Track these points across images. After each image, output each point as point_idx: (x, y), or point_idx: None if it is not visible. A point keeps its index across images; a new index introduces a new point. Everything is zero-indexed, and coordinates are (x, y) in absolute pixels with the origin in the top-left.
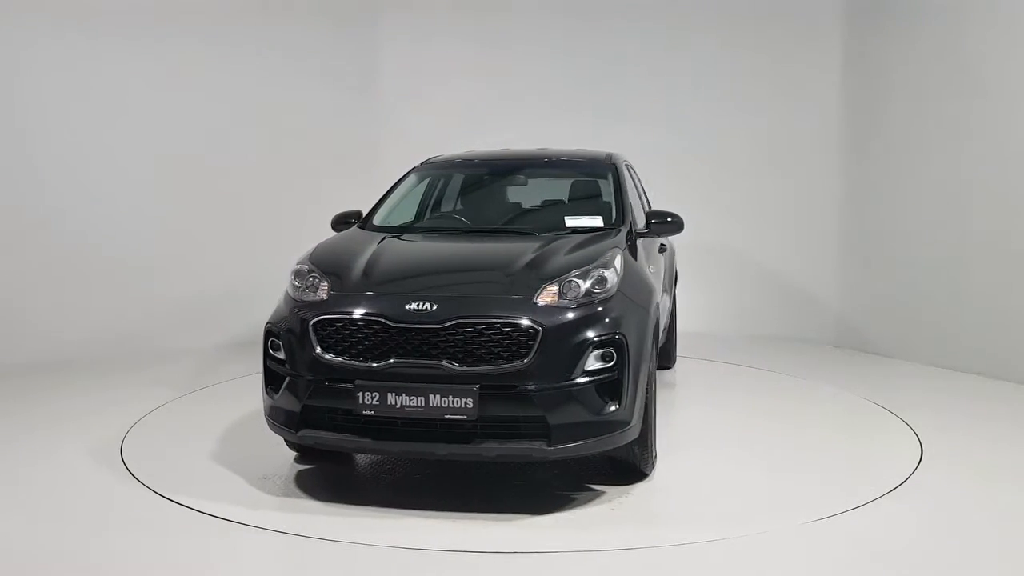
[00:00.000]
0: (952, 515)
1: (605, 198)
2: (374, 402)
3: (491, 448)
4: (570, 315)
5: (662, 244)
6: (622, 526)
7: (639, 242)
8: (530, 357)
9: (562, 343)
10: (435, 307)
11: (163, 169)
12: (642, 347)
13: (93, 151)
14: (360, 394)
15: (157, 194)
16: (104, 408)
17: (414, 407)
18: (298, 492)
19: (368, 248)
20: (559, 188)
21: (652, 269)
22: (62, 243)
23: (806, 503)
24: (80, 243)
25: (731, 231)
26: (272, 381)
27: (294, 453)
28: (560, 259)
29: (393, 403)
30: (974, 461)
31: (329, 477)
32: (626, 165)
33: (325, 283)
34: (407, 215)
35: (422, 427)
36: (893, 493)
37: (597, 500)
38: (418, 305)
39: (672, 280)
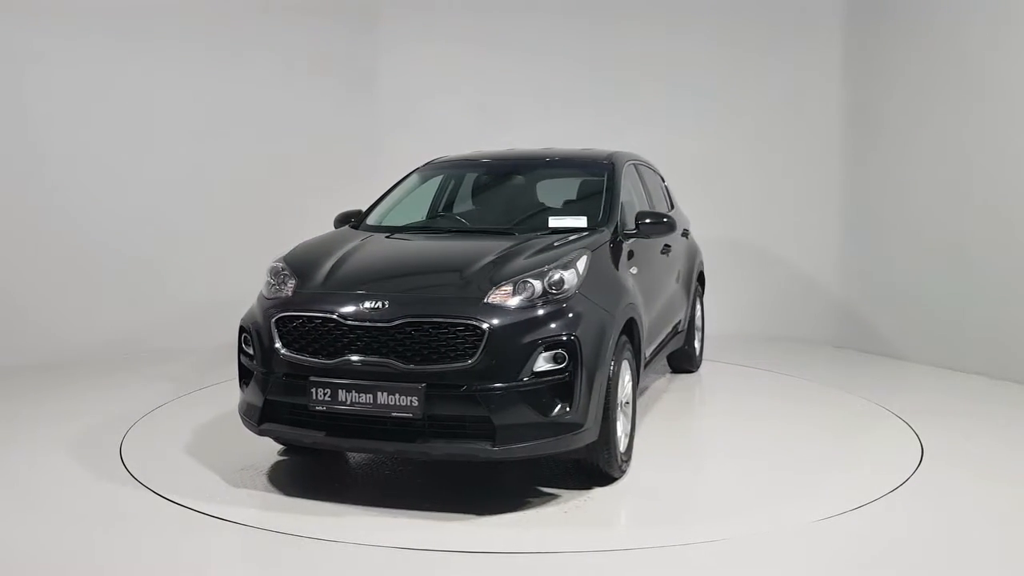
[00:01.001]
0: (952, 515)
1: (595, 198)
2: (326, 398)
3: (437, 447)
4: (520, 316)
5: (666, 244)
6: (622, 526)
7: (628, 243)
8: (476, 357)
9: (509, 343)
10: (386, 306)
11: (163, 169)
12: (600, 350)
13: (94, 152)
14: (313, 390)
15: (157, 194)
16: (104, 408)
17: (363, 404)
18: (297, 492)
19: (345, 247)
20: (557, 188)
21: (635, 271)
22: (62, 243)
23: (806, 503)
24: (80, 243)
25: (731, 231)
26: (243, 376)
27: (304, 455)
28: (521, 260)
29: (344, 400)
30: (974, 461)
31: (329, 477)
32: (635, 165)
33: (293, 281)
34: (403, 214)
35: (372, 424)
36: (893, 493)
37: (595, 500)
38: (370, 304)
39: (690, 282)
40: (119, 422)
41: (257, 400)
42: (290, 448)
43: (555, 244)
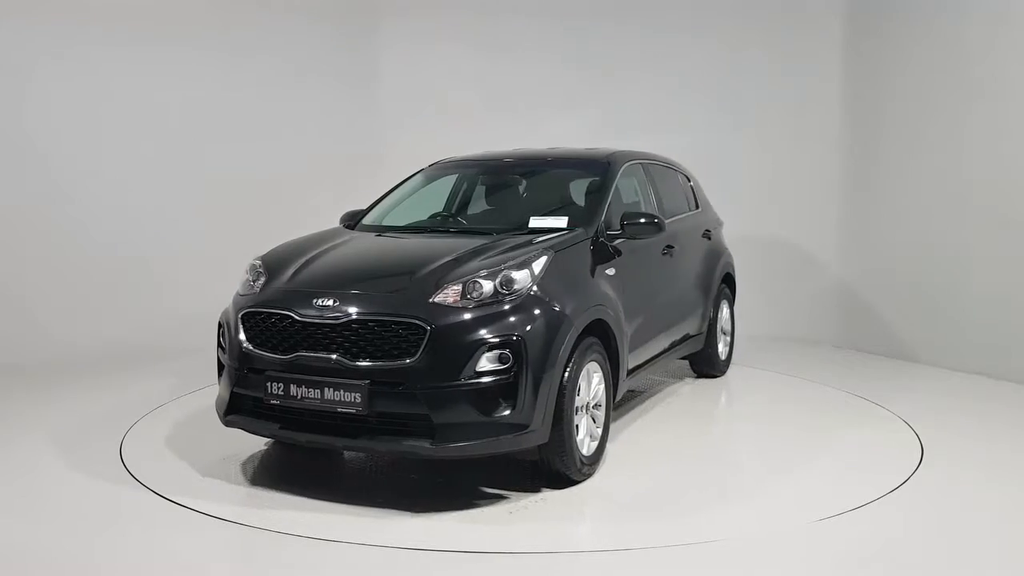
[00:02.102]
0: (952, 515)
1: (586, 199)
2: (280, 392)
3: (381, 443)
4: (464, 315)
5: (668, 246)
6: (618, 526)
7: (614, 244)
8: (417, 356)
9: (451, 343)
10: (336, 304)
11: (163, 170)
12: (550, 351)
13: (95, 153)
14: (269, 384)
15: (157, 195)
16: (104, 408)
17: (312, 399)
18: (296, 491)
19: (322, 247)
20: (555, 188)
21: (612, 272)
22: (62, 244)
23: (806, 503)
24: (80, 244)
25: (730, 231)
26: (220, 369)
27: (298, 453)
28: (478, 260)
29: (295, 394)
30: (974, 461)
31: (330, 476)
32: (645, 164)
33: (263, 279)
34: (400, 214)
35: (322, 418)
36: (893, 493)
37: (546, 502)
38: (322, 302)
39: (710, 284)
40: (119, 422)
41: (225, 392)
42: (282, 446)
43: (520, 244)
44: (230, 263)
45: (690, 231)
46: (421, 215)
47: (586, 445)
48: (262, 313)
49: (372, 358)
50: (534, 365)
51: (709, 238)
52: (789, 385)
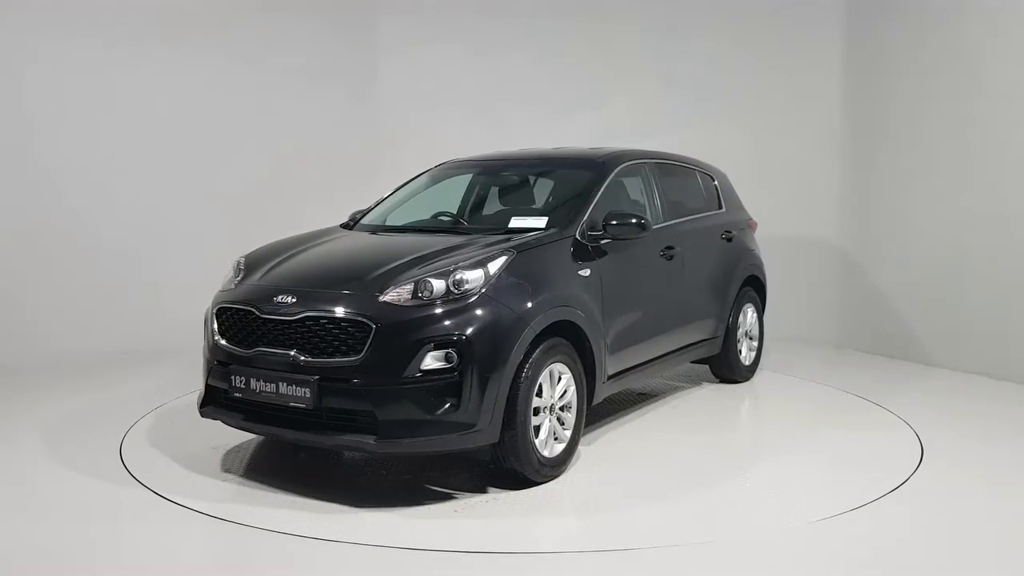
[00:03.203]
0: (952, 515)
1: (571, 199)
2: (241, 385)
3: (330, 438)
4: (410, 314)
5: (668, 247)
6: (569, 526)
7: (598, 245)
8: (363, 353)
9: (397, 341)
10: (293, 301)
11: (163, 171)
12: (501, 352)
13: (95, 154)
14: (233, 377)
15: (157, 197)
16: (104, 408)
17: (268, 393)
18: (295, 490)
19: (304, 245)
20: (547, 188)
21: (587, 273)
22: (62, 244)
23: (806, 503)
24: (80, 244)
25: None
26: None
27: (299, 452)
28: (437, 259)
29: (254, 387)
30: (974, 461)
31: (331, 476)
32: (652, 163)
33: (242, 275)
34: (398, 214)
35: (279, 411)
36: (893, 493)
37: (498, 501)
38: (282, 299)
39: (727, 286)
40: (119, 422)
41: (203, 384)
42: (281, 445)
43: (490, 244)
44: (229, 263)
45: (704, 232)
46: (420, 215)
47: (549, 447)
48: (231, 308)
49: (324, 355)
50: (481, 365)
51: (730, 240)
52: (789, 385)
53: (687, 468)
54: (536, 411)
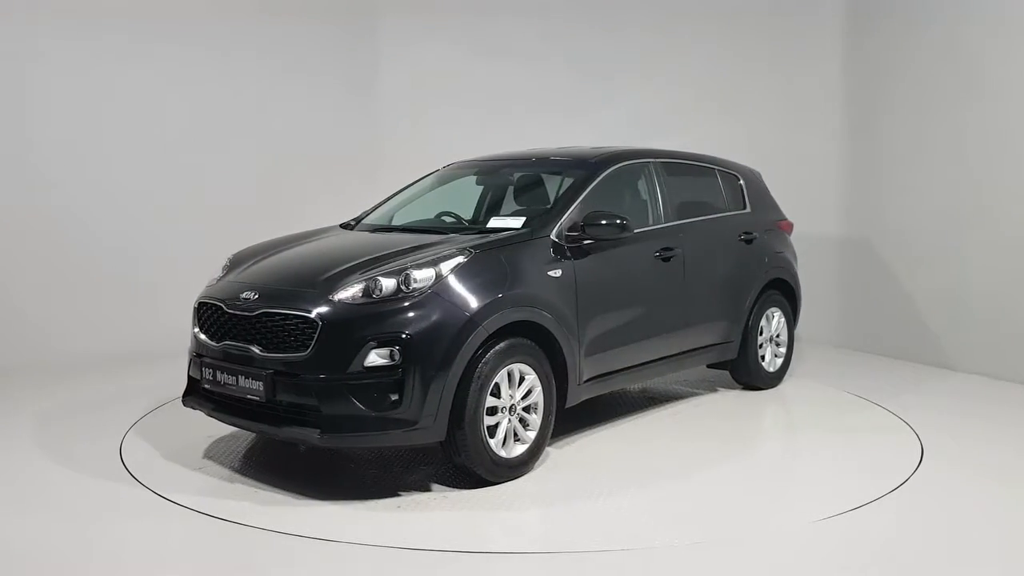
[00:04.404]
0: (952, 515)
1: (558, 199)
2: (211, 377)
3: (282, 431)
4: (357, 312)
5: (666, 248)
6: (616, 525)
7: (577, 246)
8: (310, 349)
9: (341, 338)
10: (256, 297)
11: (163, 171)
12: (446, 351)
13: (95, 154)
14: (203, 369)
15: (157, 196)
16: (104, 408)
17: (231, 385)
18: (293, 490)
19: (287, 244)
20: (538, 188)
21: (558, 274)
22: (62, 244)
23: (806, 503)
24: (80, 244)
25: None
26: None
27: (299, 451)
28: (396, 259)
29: (220, 379)
30: (974, 461)
31: (331, 476)
32: (654, 164)
33: (224, 272)
34: (401, 214)
35: (240, 403)
36: (893, 493)
37: (447, 499)
38: (247, 295)
39: (744, 290)
40: (119, 422)
41: (187, 376)
42: (279, 443)
43: (451, 244)
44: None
45: (716, 233)
46: (421, 215)
47: (508, 447)
48: (207, 303)
49: (277, 350)
50: (424, 363)
51: (750, 241)
52: (788, 385)
53: (684, 468)
54: (494, 411)
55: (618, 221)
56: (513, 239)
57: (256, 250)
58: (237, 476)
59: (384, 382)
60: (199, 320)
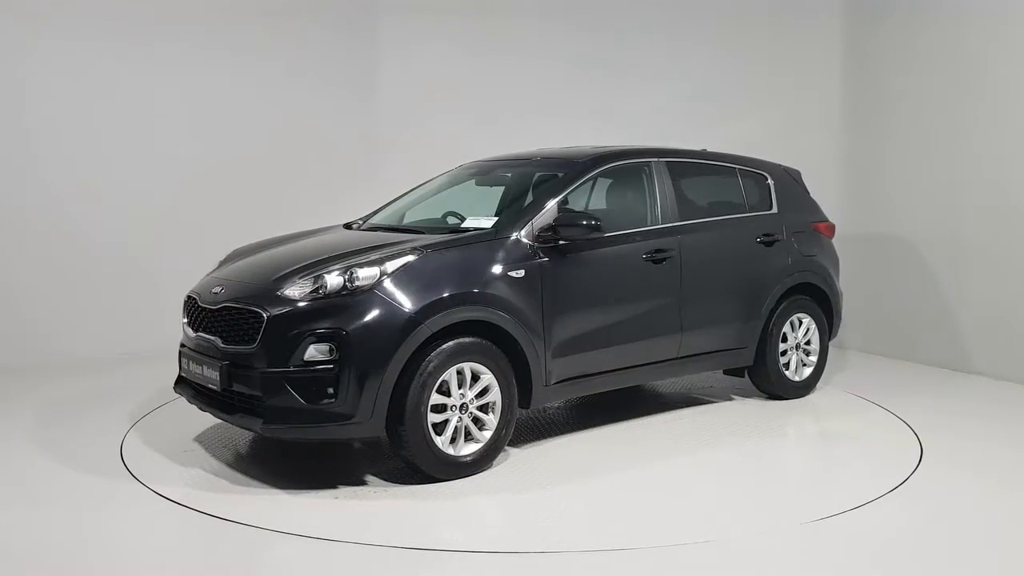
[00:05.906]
0: (952, 515)
1: (532, 199)
2: (186, 367)
3: (232, 418)
4: (298, 307)
5: (658, 249)
6: (613, 524)
7: (550, 247)
8: (257, 342)
9: (283, 332)
10: (220, 292)
11: (163, 171)
12: (385, 348)
13: (94, 153)
14: (181, 360)
15: (156, 196)
16: (104, 408)
17: (199, 375)
18: (294, 490)
19: (276, 243)
20: (528, 187)
21: (520, 274)
22: (62, 243)
23: (806, 503)
24: (80, 243)
25: None
26: None
27: (299, 450)
28: (348, 257)
29: (192, 370)
30: (974, 461)
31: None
32: (657, 164)
33: (215, 268)
34: (392, 215)
35: (206, 391)
36: (893, 493)
37: (388, 495)
38: (216, 290)
39: (761, 294)
40: (120, 422)
41: (178, 365)
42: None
43: (407, 243)
44: None
45: (728, 235)
46: (420, 215)
47: (458, 445)
48: (189, 298)
49: (233, 342)
50: (361, 359)
51: (770, 243)
52: None
53: (679, 467)
54: (442, 408)
55: (588, 222)
56: (471, 239)
57: (246, 249)
58: (237, 476)
59: (321, 376)
60: (185, 312)
